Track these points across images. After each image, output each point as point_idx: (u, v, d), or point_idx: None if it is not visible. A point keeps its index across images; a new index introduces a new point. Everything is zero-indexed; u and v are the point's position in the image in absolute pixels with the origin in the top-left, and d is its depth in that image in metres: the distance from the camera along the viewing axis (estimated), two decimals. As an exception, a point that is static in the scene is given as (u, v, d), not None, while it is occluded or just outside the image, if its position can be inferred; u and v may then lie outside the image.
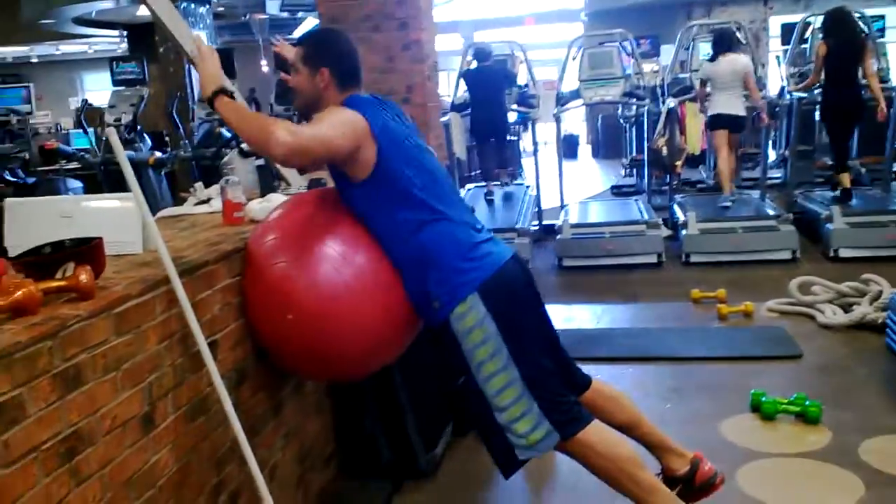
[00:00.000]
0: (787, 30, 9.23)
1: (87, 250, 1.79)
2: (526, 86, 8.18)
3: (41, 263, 1.74)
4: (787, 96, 7.87)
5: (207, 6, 11.23)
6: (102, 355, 1.64)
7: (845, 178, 6.73)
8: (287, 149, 2.03)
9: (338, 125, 2.16)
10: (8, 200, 2.23)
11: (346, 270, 2.22)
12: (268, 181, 3.45)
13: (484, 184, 8.23)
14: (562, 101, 7.92)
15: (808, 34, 8.36)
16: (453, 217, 2.27)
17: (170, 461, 1.89)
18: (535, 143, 8.10)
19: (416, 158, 2.28)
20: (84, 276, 1.67)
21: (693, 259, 6.28)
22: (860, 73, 6.52)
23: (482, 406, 2.23)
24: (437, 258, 2.22)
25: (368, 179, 2.22)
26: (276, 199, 2.86)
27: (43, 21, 12.09)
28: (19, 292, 1.54)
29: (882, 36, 8.73)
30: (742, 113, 6.93)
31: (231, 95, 2.17)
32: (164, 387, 1.87)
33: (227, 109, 2.14)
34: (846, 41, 6.48)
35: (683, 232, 6.44)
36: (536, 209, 7.84)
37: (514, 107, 7.87)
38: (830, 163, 7.28)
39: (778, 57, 9.97)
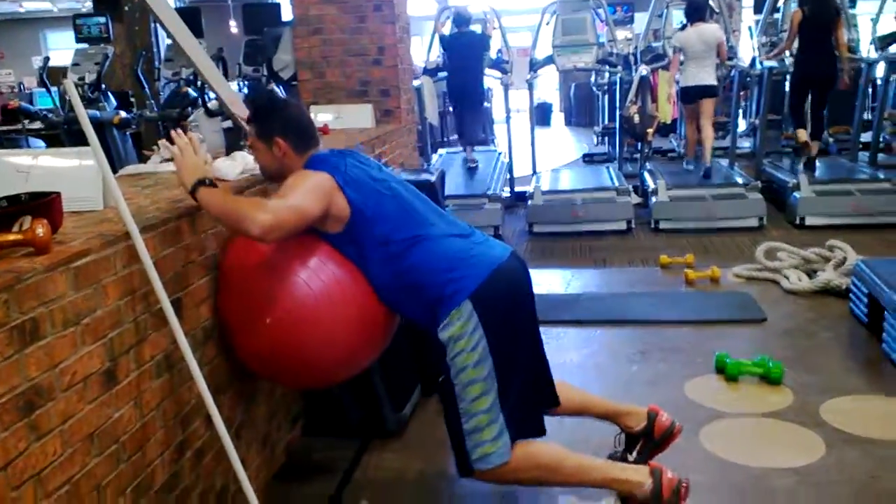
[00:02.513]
0: (759, 0, 9.24)
1: (43, 204, 1.75)
2: (500, 51, 8.12)
3: (-4, 216, 1.69)
4: (758, 66, 7.90)
5: (174, -36, 10.96)
6: (61, 309, 1.61)
7: (802, 134, 6.80)
8: (263, 229, 2.05)
9: (306, 191, 2.18)
10: (-37, 154, 2.16)
11: (322, 276, 2.22)
12: (234, 141, 3.40)
13: (462, 149, 8.18)
14: (535, 66, 7.87)
15: (780, 4, 8.37)
16: (434, 234, 2.28)
17: (133, 417, 1.87)
18: (507, 110, 8.06)
19: (381, 194, 2.30)
20: (40, 230, 1.63)
21: (662, 226, 6.33)
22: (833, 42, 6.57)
23: (453, 408, 2.24)
24: (423, 279, 2.23)
25: (346, 229, 2.26)
26: (242, 157, 2.81)
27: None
28: (-27, 244, 1.50)
29: (853, 7, 8.78)
30: (713, 82, 6.95)
31: (212, 183, 2.14)
32: (126, 343, 1.84)
33: (208, 201, 2.11)
34: (821, 9, 6.50)
35: (653, 199, 6.48)
36: (508, 176, 7.83)
37: (487, 71, 7.81)
38: (792, 131, 7.35)
39: (750, 28, 9.99)
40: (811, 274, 4.73)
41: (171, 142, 2.23)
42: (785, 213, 6.44)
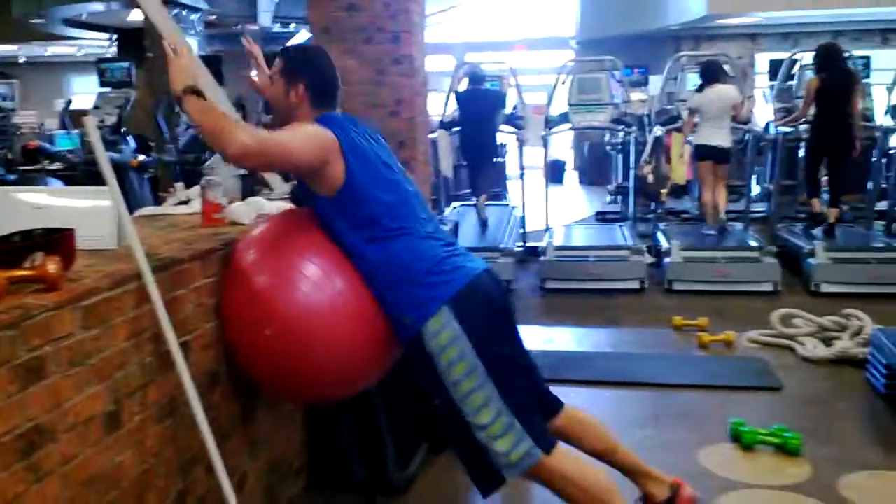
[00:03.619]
0: (774, 66, 9.34)
1: (56, 240, 1.73)
2: (515, 108, 8.21)
3: (8, 251, 1.67)
4: (773, 131, 7.93)
5: (199, 14, 11.21)
6: (67, 348, 1.58)
7: (815, 203, 6.78)
8: (242, 148, 2.01)
9: (302, 138, 2.15)
10: (-19, 189, 2.16)
11: (327, 290, 2.19)
12: (249, 185, 3.40)
13: (474, 202, 8.21)
14: (550, 124, 7.93)
15: (794, 71, 8.45)
16: (419, 232, 2.25)
17: (134, 463, 1.82)
18: (521, 166, 8.10)
19: (383, 176, 2.27)
20: (52, 267, 1.61)
21: (675, 287, 6.27)
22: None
23: (461, 425, 2.17)
24: (403, 273, 2.18)
25: (336, 196, 2.21)
26: (257, 202, 2.81)
27: (33, 21, 12.00)
28: (-18, 278, 1.48)
29: (867, 76, 8.85)
30: (727, 145, 6.96)
31: (201, 95, 2.12)
32: (132, 385, 1.81)
33: (193, 106, 2.10)
34: (839, 76, 6.54)
35: (667, 259, 6.44)
36: (521, 230, 7.83)
37: (503, 127, 7.88)
38: (806, 197, 7.33)
39: (764, 93, 10.07)
40: (827, 342, 4.65)
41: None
42: (800, 279, 6.38)
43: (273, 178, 3.54)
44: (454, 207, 8.52)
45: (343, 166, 2.18)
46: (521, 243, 7.68)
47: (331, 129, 2.20)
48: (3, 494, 1.41)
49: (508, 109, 8.16)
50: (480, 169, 8.13)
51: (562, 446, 2.27)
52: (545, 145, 8.16)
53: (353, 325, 2.22)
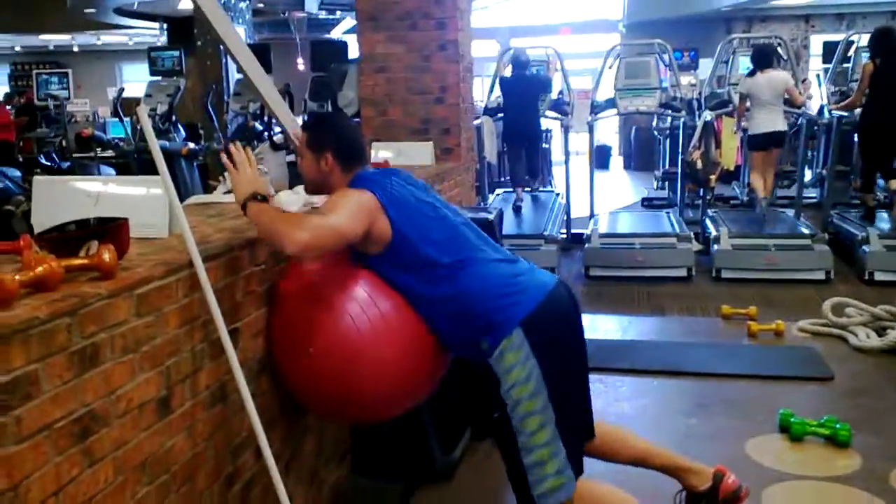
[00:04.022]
0: (828, 48, 9.07)
1: (111, 229, 1.77)
2: (561, 93, 8.13)
3: (65, 240, 1.72)
4: (827, 115, 7.72)
5: (247, 2, 11.32)
6: (121, 336, 1.62)
7: (869, 198, 6.60)
8: (299, 246, 2.04)
9: (347, 213, 2.14)
10: (36, 178, 2.22)
11: (370, 310, 2.19)
12: (297, 174, 3.43)
13: (512, 189, 8.18)
14: (596, 109, 7.84)
15: (850, 53, 8.21)
16: (480, 258, 2.24)
17: (185, 447, 1.86)
18: (566, 152, 8.04)
19: (427, 216, 2.26)
20: (107, 255, 1.64)
21: (724, 275, 6.17)
22: None
23: (511, 444, 2.17)
24: (474, 303, 2.17)
25: (387, 252, 2.21)
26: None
27: (86, 10, 12.26)
28: (40, 268, 1.52)
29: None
30: (783, 128, 6.82)
31: (263, 199, 2.17)
32: (183, 372, 1.85)
33: (253, 212, 2.14)
34: (894, 62, 6.34)
35: (715, 247, 6.34)
36: (565, 217, 7.77)
37: (548, 113, 7.82)
38: (861, 190, 7.13)
39: (818, 75, 9.81)
40: (880, 332, 4.54)
41: (230, 155, 2.25)
42: (853, 267, 6.22)
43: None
44: (498, 194, 8.50)
45: (387, 221, 2.19)
46: (566, 230, 7.63)
47: (367, 189, 2.21)
48: (59, 478, 1.45)
49: (554, 95, 8.09)
50: (522, 155, 8.09)
51: (586, 480, 2.26)
52: (591, 131, 8.08)
53: (398, 348, 2.22)
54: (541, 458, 2.14)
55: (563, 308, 2.24)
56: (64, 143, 8.27)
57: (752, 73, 6.86)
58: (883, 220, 6.61)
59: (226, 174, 3.27)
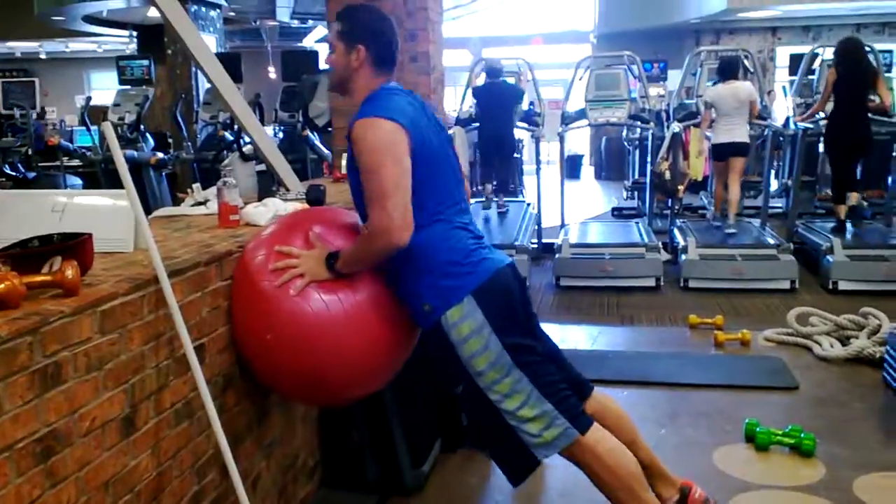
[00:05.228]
0: (794, 60, 9.25)
1: (74, 245, 1.76)
2: (531, 104, 8.18)
3: (27, 256, 1.70)
4: (793, 126, 7.86)
5: (218, 11, 11.26)
6: (85, 354, 1.60)
7: (841, 210, 6.71)
8: (398, 228, 2.04)
9: (394, 169, 2.08)
10: None
11: (333, 294, 2.18)
12: (266, 185, 3.42)
13: (483, 199, 8.22)
14: (567, 120, 7.91)
15: (815, 65, 8.37)
16: (453, 220, 2.24)
17: (149, 466, 1.84)
18: (538, 162, 8.09)
19: (435, 161, 2.22)
20: (70, 272, 1.63)
21: (692, 284, 6.25)
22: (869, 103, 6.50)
23: (489, 410, 2.19)
24: (430, 261, 2.19)
25: None
26: (274, 203, 2.82)
27: (55, 17, 12.10)
28: (1, 285, 1.50)
29: (889, 70, 8.75)
30: (744, 139, 6.92)
31: (335, 254, 2.17)
32: (148, 389, 1.83)
33: (345, 266, 2.15)
34: (857, 70, 6.47)
35: (683, 257, 6.41)
36: (536, 227, 7.82)
37: (519, 124, 7.86)
38: (830, 194, 7.25)
39: (784, 87, 9.98)
40: (844, 341, 4.62)
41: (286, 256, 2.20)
42: (817, 277, 6.33)
43: (290, 179, 3.56)
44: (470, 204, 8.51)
45: (409, 159, 2.12)
46: (536, 240, 7.67)
47: (398, 121, 2.12)
48: (19, 499, 1.43)
49: (525, 106, 8.13)
50: (495, 165, 8.12)
51: (598, 429, 2.28)
52: (561, 141, 8.13)
53: (363, 325, 2.21)
54: (525, 417, 2.18)
55: (512, 285, 2.27)
56: (29, 151, 8.15)
57: (716, 84, 6.97)
58: (847, 231, 6.72)
59: (194, 186, 3.25)
